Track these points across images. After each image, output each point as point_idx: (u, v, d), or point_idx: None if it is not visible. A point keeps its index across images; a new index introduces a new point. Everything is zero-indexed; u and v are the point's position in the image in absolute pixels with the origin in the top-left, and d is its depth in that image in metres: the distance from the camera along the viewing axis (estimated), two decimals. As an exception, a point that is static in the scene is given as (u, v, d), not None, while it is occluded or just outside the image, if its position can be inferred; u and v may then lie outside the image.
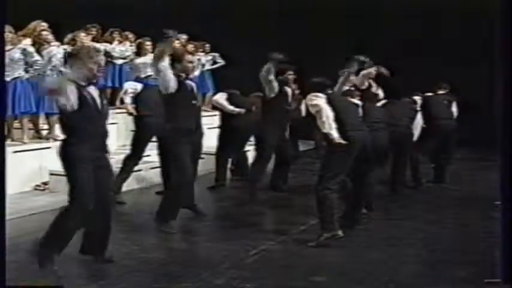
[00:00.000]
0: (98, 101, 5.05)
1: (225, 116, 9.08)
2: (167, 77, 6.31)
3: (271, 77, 7.98)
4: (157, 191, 7.99)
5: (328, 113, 5.95)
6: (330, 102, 6.03)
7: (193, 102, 6.58)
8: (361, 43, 10.77)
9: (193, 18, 13.21)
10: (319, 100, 6.04)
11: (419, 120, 8.68)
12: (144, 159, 9.00)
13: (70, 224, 5.01)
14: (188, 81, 6.56)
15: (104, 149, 5.15)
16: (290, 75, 8.46)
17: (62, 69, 8.21)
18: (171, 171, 6.64)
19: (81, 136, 4.96)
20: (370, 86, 8.21)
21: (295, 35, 13.73)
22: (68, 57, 5.25)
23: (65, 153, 4.99)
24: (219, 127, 9.22)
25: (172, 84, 6.34)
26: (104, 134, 5.14)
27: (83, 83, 4.97)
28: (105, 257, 5.32)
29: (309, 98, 6.14)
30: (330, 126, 5.92)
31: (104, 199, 5.17)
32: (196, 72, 11.72)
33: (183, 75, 6.46)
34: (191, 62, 6.62)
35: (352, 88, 7.83)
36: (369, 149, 6.24)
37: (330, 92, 6.27)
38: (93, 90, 5.04)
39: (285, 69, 8.45)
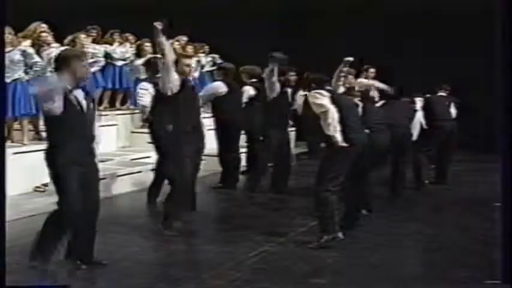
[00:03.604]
0: (84, 104, 5.03)
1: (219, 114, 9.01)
2: (171, 77, 6.34)
3: (275, 78, 7.98)
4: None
5: (334, 115, 5.86)
6: (334, 102, 5.96)
7: (195, 101, 6.60)
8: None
9: (193, 19, 13.20)
10: (325, 100, 5.93)
11: (417, 120, 8.67)
12: (144, 160, 9.02)
13: (59, 229, 4.99)
14: (189, 80, 6.59)
15: (91, 153, 5.12)
16: (292, 76, 8.46)
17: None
18: (172, 173, 6.63)
19: (66, 140, 4.94)
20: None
21: (295, 35, 13.73)
22: (56, 60, 5.18)
23: (52, 158, 4.97)
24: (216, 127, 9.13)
25: (177, 83, 6.37)
26: (90, 138, 5.11)
27: (69, 87, 4.96)
28: (95, 260, 5.25)
29: (312, 95, 6.02)
30: (335, 129, 5.85)
31: (90, 204, 5.16)
32: (196, 74, 11.74)
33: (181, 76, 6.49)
34: (188, 65, 6.58)
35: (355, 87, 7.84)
36: (369, 150, 6.22)
37: (330, 88, 6.22)
38: (79, 94, 5.02)
39: (286, 70, 8.45)
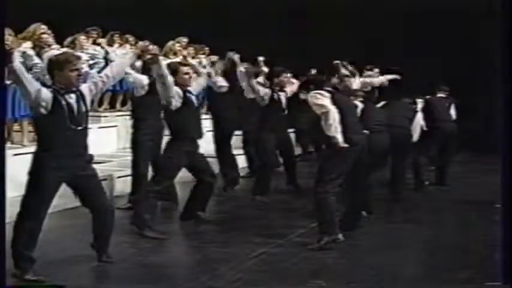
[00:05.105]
0: (75, 108, 4.98)
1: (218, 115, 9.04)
2: (172, 92, 6.35)
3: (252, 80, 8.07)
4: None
5: (335, 115, 5.85)
6: (334, 102, 5.95)
7: (196, 114, 6.63)
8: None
9: (193, 20, 13.20)
10: (326, 100, 5.91)
11: (417, 122, 8.67)
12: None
13: (26, 228, 4.98)
14: (189, 95, 6.55)
15: (82, 156, 5.07)
16: (285, 78, 8.40)
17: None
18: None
19: (50, 142, 4.92)
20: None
21: (296, 35, 13.73)
22: (48, 64, 5.18)
23: (35, 158, 4.97)
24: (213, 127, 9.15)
25: (178, 96, 6.39)
26: (80, 143, 5.04)
27: (62, 90, 4.95)
28: (103, 258, 5.36)
29: (312, 95, 6.00)
30: (336, 130, 5.84)
31: (100, 206, 5.23)
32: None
33: (183, 88, 6.46)
34: (187, 73, 6.54)
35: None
36: (369, 151, 6.20)
37: (329, 89, 6.20)
38: (71, 98, 4.98)
39: (280, 71, 8.41)
